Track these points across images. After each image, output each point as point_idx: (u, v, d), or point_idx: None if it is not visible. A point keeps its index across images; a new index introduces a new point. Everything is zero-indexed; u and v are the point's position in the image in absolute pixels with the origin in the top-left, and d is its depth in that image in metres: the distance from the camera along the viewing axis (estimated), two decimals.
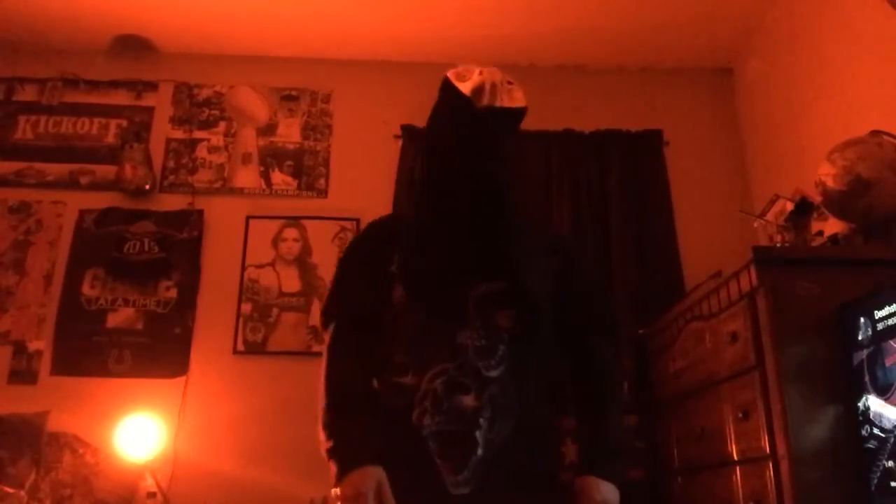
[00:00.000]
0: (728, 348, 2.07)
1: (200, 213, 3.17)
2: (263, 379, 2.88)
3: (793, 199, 2.49)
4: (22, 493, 2.69)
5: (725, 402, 2.09)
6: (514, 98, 1.51)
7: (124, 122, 3.29)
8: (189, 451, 2.80)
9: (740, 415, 1.97)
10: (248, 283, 3.07)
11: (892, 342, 1.60)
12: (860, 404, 1.69)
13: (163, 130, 3.30)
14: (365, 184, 3.18)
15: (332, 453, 1.37)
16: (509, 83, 1.52)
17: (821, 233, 2.40)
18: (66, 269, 3.05)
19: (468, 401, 1.38)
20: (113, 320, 3.00)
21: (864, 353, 1.69)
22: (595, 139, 3.27)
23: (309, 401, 1.51)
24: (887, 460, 1.59)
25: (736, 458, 2.02)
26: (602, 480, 1.42)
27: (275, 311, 3.03)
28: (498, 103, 1.46)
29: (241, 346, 2.98)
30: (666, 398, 2.60)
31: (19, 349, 2.92)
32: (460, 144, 1.46)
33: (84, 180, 3.20)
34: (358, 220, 3.10)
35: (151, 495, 2.68)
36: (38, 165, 3.20)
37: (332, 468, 1.35)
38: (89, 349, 2.94)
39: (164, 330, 2.99)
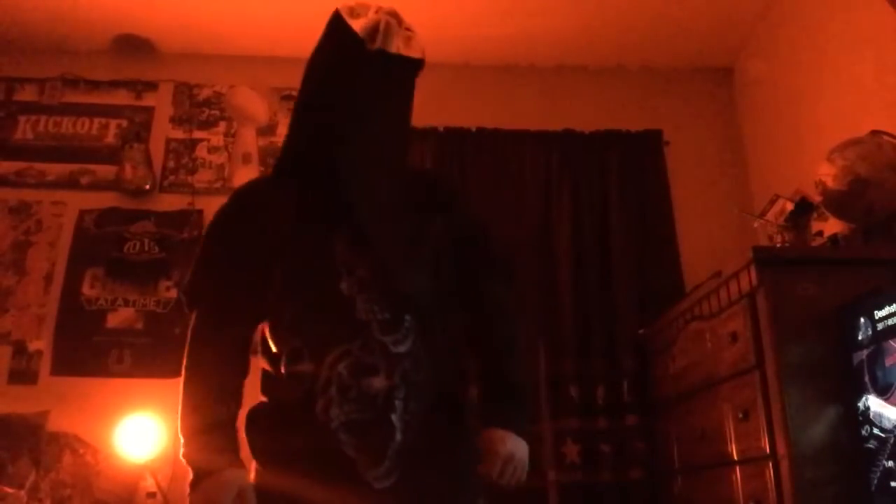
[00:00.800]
0: (728, 348, 2.07)
1: (200, 213, 3.17)
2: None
3: (793, 199, 2.49)
4: (22, 493, 2.68)
5: (725, 402, 2.09)
6: (412, 47, 1.31)
7: (124, 122, 3.29)
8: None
9: (740, 415, 1.97)
10: None
11: (892, 342, 1.60)
12: (860, 404, 1.69)
13: (163, 130, 3.30)
14: None
15: (185, 456, 1.22)
16: (408, 30, 1.32)
17: (821, 233, 2.40)
18: (66, 269, 3.04)
19: (378, 382, 1.21)
20: (113, 320, 3.00)
21: (864, 353, 1.69)
22: (595, 139, 3.27)
23: None
24: (887, 460, 1.59)
25: (736, 458, 2.02)
26: (507, 432, 1.32)
27: None
28: (392, 49, 1.28)
29: None
30: (666, 398, 2.60)
31: (19, 349, 2.92)
32: (340, 88, 1.29)
33: (84, 180, 3.20)
34: None
35: (151, 495, 2.68)
36: (38, 165, 3.20)
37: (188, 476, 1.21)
38: (89, 349, 2.94)
39: (164, 330, 2.99)
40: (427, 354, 1.27)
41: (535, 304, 2.94)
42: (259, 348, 1.34)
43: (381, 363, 1.22)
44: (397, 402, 1.22)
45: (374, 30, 1.27)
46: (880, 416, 1.63)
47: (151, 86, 3.35)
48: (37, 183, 3.18)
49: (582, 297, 2.97)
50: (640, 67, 3.47)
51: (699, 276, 2.69)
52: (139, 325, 2.99)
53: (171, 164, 3.25)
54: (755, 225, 2.78)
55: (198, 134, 3.30)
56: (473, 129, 3.21)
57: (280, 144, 3.44)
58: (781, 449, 1.79)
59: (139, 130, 3.27)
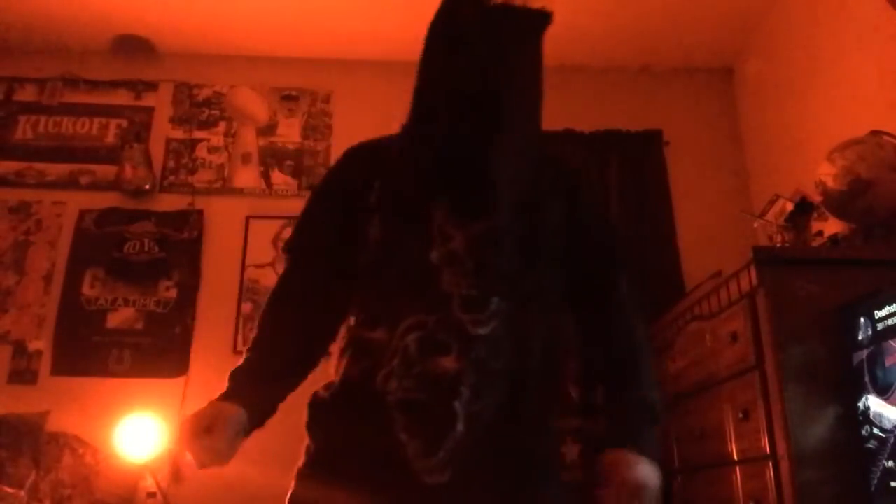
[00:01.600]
0: (728, 348, 2.07)
1: (200, 213, 3.17)
2: None
3: (793, 199, 2.50)
4: (22, 493, 2.68)
5: (725, 402, 2.09)
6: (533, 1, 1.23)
7: (124, 122, 3.29)
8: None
9: (740, 415, 1.97)
10: (248, 283, 3.07)
11: (892, 342, 1.60)
12: (860, 404, 1.69)
13: (163, 130, 3.30)
14: None
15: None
16: None
17: (821, 233, 2.40)
18: (66, 269, 3.05)
19: (447, 363, 1.08)
20: (113, 320, 3.00)
21: (864, 353, 1.69)
22: (595, 139, 3.27)
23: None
24: (887, 460, 1.59)
25: (736, 458, 2.02)
26: (637, 456, 1.13)
27: None
28: (515, 0, 1.20)
29: (241, 346, 2.98)
30: (666, 398, 2.60)
31: (19, 349, 2.92)
32: (461, 43, 1.19)
33: (84, 180, 3.20)
34: None
35: (151, 495, 2.68)
36: (38, 165, 3.20)
37: None
38: (89, 349, 2.94)
39: (164, 330, 2.99)
40: (511, 343, 1.12)
41: None
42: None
43: (454, 343, 1.09)
44: (463, 390, 1.07)
45: None
46: (880, 416, 1.63)
47: (151, 86, 3.36)
48: (37, 183, 3.18)
49: None
50: (640, 67, 3.47)
51: (699, 276, 2.69)
52: (139, 325, 2.99)
53: (171, 164, 3.25)
54: (755, 225, 2.78)
55: (198, 134, 3.30)
56: None
57: (279, 144, 3.46)
58: (781, 449, 1.78)
59: (139, 130, 3.27)
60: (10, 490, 2.67)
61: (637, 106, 3.40)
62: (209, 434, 1.07)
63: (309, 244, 1.29)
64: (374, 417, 1.09)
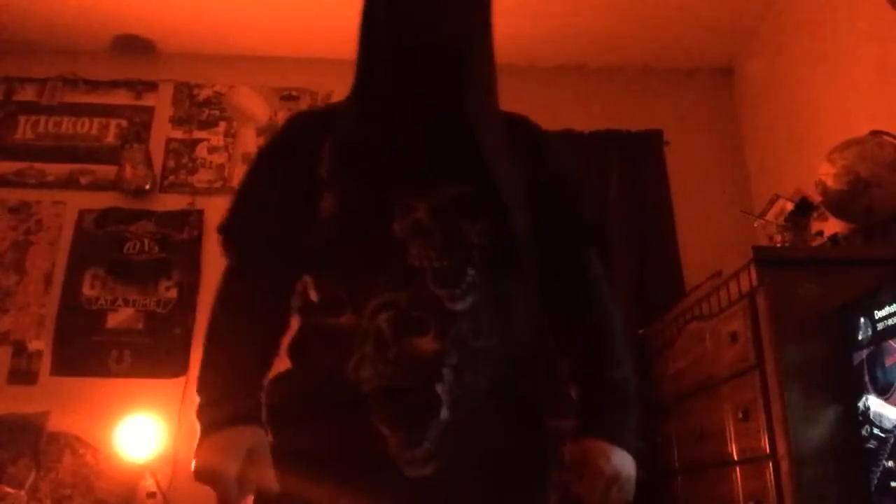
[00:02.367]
0: (728, 348, 2.07)
1: (200, 213, 3.17)
2: None
3: (793, 199, 2.50)
4: (22, 493, 2.68)
5: (725, 402, 2.09)
6: None
7: (124, 122, 3.29)
8: (189, 451, 2.77)
9: (740, 415, 1.97)
10: None
11: (892, 342, 1.60)
12: (860, 404, 1.69)
13: (163, 130, 3.30)
14: None
15: (196, 414, 1.02)
16: None
17: (821, 233, 2.40)
18: (66, 269, 3.05)
19: (425, 344, 0.98)
20: (113, 320, 3.00)
21: (864, 353, 1.69)
22: (595, 139, 3.27)
23: None
24: (887, 460, 1.59)
25: (736, 458, 2.02)
26: (611, 444, 1.05)
27: None
28: None
29: None
30: (666, 398, 2.60)
31: (19, 349, 2.92)
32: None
33: (84, 180, 3.20)
34: None
35: (151, 495, 2.68)
36: (38, 165, 3.20)
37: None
38: (89, 349, 2.94)
39: (164, 330, 2.99)
40: (493, 318, 1.02)
41: None
42: (297, 301, 1.14)
43: (431, 321, 0.99)
44: (446, 371, 0.97)
45: None
46: (880, 416, 1.63)
47: (151, 86, 3.35)
48: (37, 183, 3.18)
49: None
50: (640, 67, 3.47)
51: (699, 276, 2.69)
52: (139, 325, 2.99)
53: (171, 164, 3.25)
54: (755, 225, 2.78)
55: (198, 134, 3.30)
56: None
57: None
58: (781, 449, 1.78)
59: (139, 130, 3.27)
60: (10, 490, 2.67)
61: (637, 106, 3.40)
62: (255, 469, 0.97)
63: (255, 227, 1.14)
64: (349, 410, 0.99)
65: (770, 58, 3.15)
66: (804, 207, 2.42)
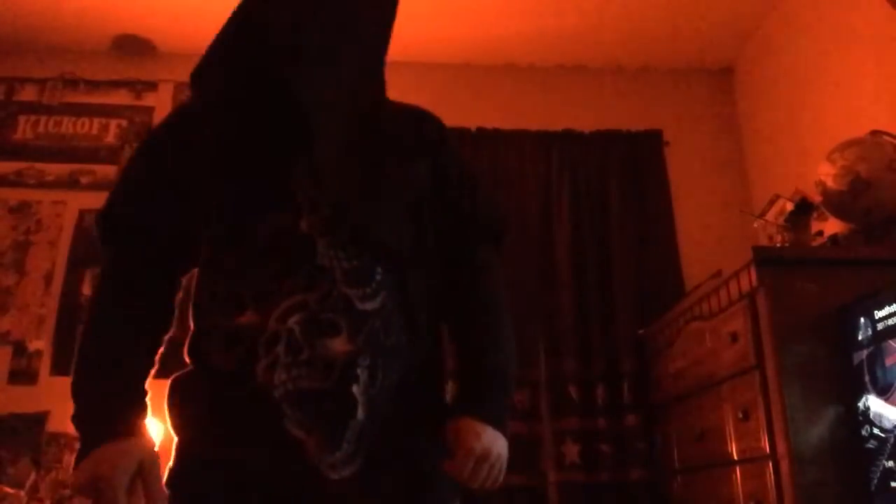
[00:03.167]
0: (728, 348, 2.07)
1: None
2: None
3: (793, 199, 2.50)
4: (22, 493, 2.68)
5: (725, 402, 2.09)
6: None
7: (124, 122, 3.29)
8: None
9: (740, 415, 1.97)
10: None
11: (892, 342, 1.60)
12: (860, 404, 1.69)
13: None
14: None
15: (75, 424, 1.01)
16: None
17: (821, 233, 2.40)
18: (66, 269, 3.04)
19: (339, 345, 0.97)
20: None
21: (864, 353, 1.69)
22: (595, 139, 3.27)
23: None
24: (887, 460, 1.59)
25: (736, 458, 2.02)
26: (482, 423, 1.04)
27: None
28: None
29: None
30: (666, 398, 2.60)
31: (19, 349, 2.92)
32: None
33: (84, 180, 3.20)
34: None
35: None
36: (38, 165, 3.20)
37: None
38: None
39: None
40: (401, 316, 1.03)
41: (535, 304, 2.94)
42: (191, 298, 1.08)
43: (342, 321, 0.98)
44: (360, 372, 0.97)
45: None
46: (880, 416, 1.63)
47: (151, 86, 3.35)
48: (37, 183, 3.18)
49: (582, 298, 2.97)
50: (640, 67, 3.47)
51: (699, 276, 2.69)
52: None
53: None
54: (755, 225, 2.78)
55: None
56: (473, 129, 3.20)
57: None
58: (781, 449, 1.79)
59: (139, 130, 3.27)
60: (10, 490, 2.67)
61: (637, 106, 3.40)
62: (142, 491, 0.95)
63: (137, 216, 1.10)
64: (260, 415, 0.96)
65: (770, 58, 3.15)
66: (804, 207, 2.42)
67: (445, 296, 1.15)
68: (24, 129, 3.26)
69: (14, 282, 3.02)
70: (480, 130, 3.21)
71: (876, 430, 1.64)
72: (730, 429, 2.06)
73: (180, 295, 1.14)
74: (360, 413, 0.97)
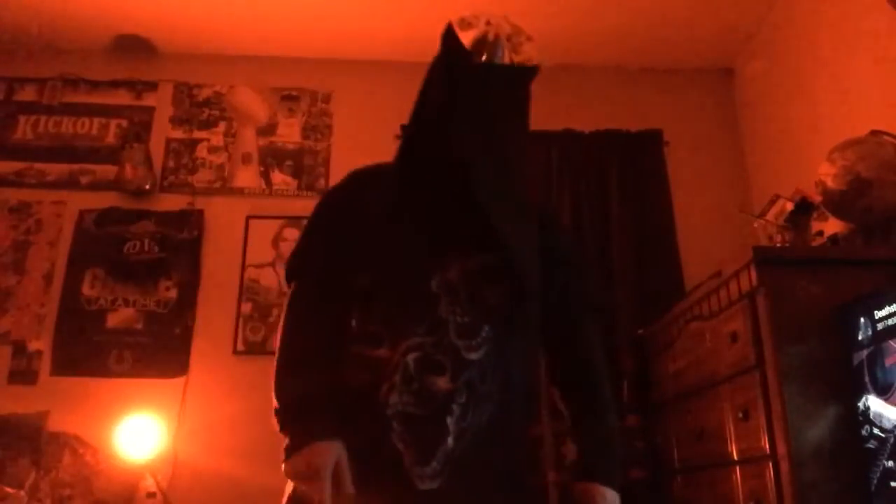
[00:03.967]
0: (728, 348, 2.07)
1: (200, 213, 3.17)
2: (263, 379, 2.80)
3: (793, 199, 2.50)
4: (22, 493, 2.68)
5: (725, 402, 2.09)
6: (522, 53, 1.33)
7: (124, 122, 3.29)
8: (189, 451, 2.80)
9: (740, 415, 1.97)
10: (249, 283, 3.07)
11: (892, 342, 1.60)
12: (860, 404, 1.69)
13: (163, 130, 3.30)
14: None
15: (283, 421, 1.21)
16: (520, 37, 1.35)
17: (821, 233, 2.40)
18: (66, 269, 3.05)
19: (441, 383, 1.22)
20: (113, 320, 3.00)
21: (864, 353, 1.69)
22: (595, 139, 3.27)
23: None
24: (887, 460, 1.59)
25: (736, 458, 2.02)
26: (605, 487, 1.31)
27: (275, 311, 3.03)
28: (501, 59, 1.30)
29: (241, 346, 2.98)
30: (666, 398, 2.60)
31: (19, 349, 2.92)
32: (449, 102, 1.29)
33: (84, 180, 3.20)
34: None
35: (151, 495, 2.68)
36: (38, 165, 3.20)
37: (284, 440, 1.19)
38: (89, 349, 2.94)
39: (164, 330, 2.99)
40: (497, 369, 1.26)
41: None
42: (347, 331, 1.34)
43: (448, 364, 1.23)
44: (455, 407, 1.22)
45: (481, 42, 1.30)
46: (880, 416, 1.63)
47: (151, 86, 3.36)
48: (37, 183, 3.18)
49: None
50: (640, 67, 3.47)
51: (699, 276, 2.69)
52: (139, 325, 2.99)
53: (171, 164, 3.25)
54: (755, 225, 2.78)
55: (198, 134, 3.31)
56: None
57: (279, 144, 3.45)
58: (781, 449, 1.78)
59: (139, 130, 3.27)
60: (10, 490, 2.67)
61: (637, 106, 3.40)
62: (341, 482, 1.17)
63: (318, 268, 1.35)
64: (375, 426, 1.21)
65: (770, 58, 3.15)
66: (804, 207, 2.42)
67: (564, 371, 1.42)
68: (24, 129, 3.26)
69: (14, 282, 3.02)
70: None
71: (876, 430, 1.64)
72: (730, 428, 2.06)
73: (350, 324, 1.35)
74: (450, 440, 1.21)
